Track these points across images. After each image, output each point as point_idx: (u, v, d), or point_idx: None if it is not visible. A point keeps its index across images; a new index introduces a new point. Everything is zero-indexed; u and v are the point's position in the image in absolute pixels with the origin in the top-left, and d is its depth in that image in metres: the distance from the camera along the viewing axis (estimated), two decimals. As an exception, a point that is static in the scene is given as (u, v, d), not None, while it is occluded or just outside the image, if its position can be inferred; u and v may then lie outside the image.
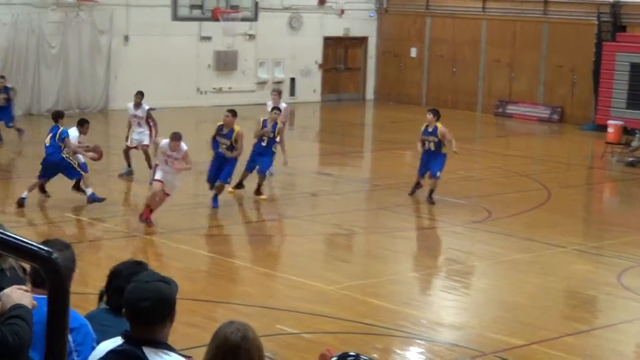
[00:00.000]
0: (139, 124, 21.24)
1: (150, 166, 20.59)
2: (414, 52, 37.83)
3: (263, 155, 19.57)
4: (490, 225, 18.23)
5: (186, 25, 33.68)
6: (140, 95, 21.44)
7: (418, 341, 12.09)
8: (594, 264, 16.29)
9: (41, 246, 3.36)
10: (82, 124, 18.94)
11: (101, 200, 18.18)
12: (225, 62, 35.01)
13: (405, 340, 12.14)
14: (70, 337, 5.02)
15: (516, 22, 34.54)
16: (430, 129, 19.66)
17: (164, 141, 17.14)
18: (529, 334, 12.36)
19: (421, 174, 19.93)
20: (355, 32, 38.36)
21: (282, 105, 21.82)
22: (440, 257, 16.75)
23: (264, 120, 19.73)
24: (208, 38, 34.40)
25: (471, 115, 35.13)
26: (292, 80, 36.82)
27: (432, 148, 19.55)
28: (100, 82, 32.44)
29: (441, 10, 36.87)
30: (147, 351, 4.90)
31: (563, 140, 31.17)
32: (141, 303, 4.90)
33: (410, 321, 12.69)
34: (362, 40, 38.87)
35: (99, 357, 5.02)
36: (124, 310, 5.07)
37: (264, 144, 19.56)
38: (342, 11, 37.51)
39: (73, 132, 18.54)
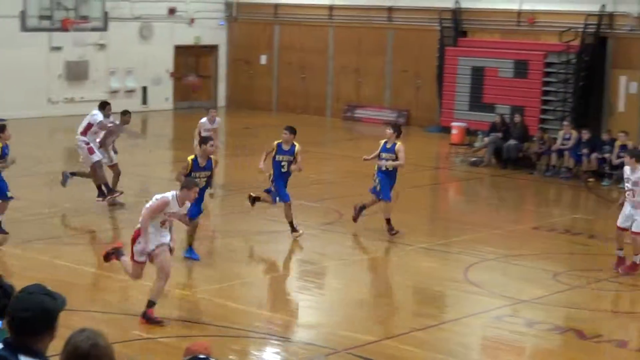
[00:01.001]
0: (110, 143, 20.13)
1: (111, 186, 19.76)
2: (263, 59, 38.24)
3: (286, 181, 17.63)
4: (341, 226, 18.65)
5: (35, 36, 33.30)
6: (128, 114, 20.51)
7: (273, 341, 12.34)
8: (441, 260, 16.88)
9: None
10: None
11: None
12: (76, 72, 34.77)
13: (261, 341, 12.39)
14: None
15: (362, 29, 35.27)
16: (388, 145, 17.96)
17: (169, 194, 12.87)
18: (380, 331, 12.78)
19: (389, 195, 17.99)
20: (206, 41, 38.53)
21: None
22: (294, 258, 17.06)
23: (279, 144, 17.46)
24: (58, 48, 34.08)
25: (321, 120, 35.73)
26: (144, 89, 36.79)
27: (390, 168, 17.98)
28: (-49, 93, 31.88)
29: (289, 18, 37.37)
30: (23, 359, 4.95)
31: (410, 142, 31.60)
32: (22, 313, 4.97)
33: (266, 322, 12.97)
34: (213, 49, 39.07)
35: None
36: (5, 317, 5.12)
37: (284, 169, 17.47)
38: (192, 20, 37.64)
39: None
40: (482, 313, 13.95)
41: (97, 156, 19.32)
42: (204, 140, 16.27)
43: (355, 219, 18.24)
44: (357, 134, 33.42)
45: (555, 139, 26.49)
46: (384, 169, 17.85)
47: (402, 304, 14.51)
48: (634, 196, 15.64)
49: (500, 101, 30.47)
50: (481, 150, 27.52)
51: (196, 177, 15.25)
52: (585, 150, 25.45)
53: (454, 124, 30.48)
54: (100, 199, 19.47)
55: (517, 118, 27.94)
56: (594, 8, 29.59)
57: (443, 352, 12.23)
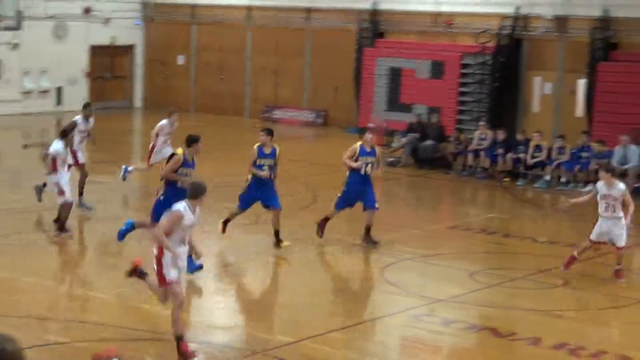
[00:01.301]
0: (81, 141, 19.71)
1: (81, 190, 19.41)
2: (181, 60, 38.05)
3: (269, 187, 16.94)
4: (259, 227, 18.57)
5: (-54, 35, 32.82)
6: (90, 106, 20.17)
7: (192, 344, 12.22)
8: (360, 261, 16.94)
9: None
10: None
11: None
12: (-11, 72, 34.28)
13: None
14: None
15: (280, 30, 35.27)
16: (368, 149, 17.46)
17: (180, 206, 11.58)
18: (298, 331, 12.74)
19: (344, 205, 17.63)
20: (122, 41, 38.23)
21: None
22: (211, 260, 16.97)
23: (259, 147, 16.92)
24: (-30, 48, 33.61)
25: (239, 120, 35.69)
26: (59, 89, 36.34)
27: (369, 171, 17.47)
28: None
29: (207, 19, 37.23)
30: None
31: (328, 143, 32.00)
32: None
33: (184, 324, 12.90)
34: (129, 49, 38.79)
35: None
36: None
37: (264, 172, 16.80)
38: (108, 20, 37.28)
39: None
40: (400, 312, 14.04)
41: (67, 198, 18.16)
42: (194, 139, 15.29)
43: (374, 242, 17.60)
44: (275, 135, 33.33)
45: (471, 139, 26.78)
46: (363, 172, 17.31)
47: (320, 305, 14.50)
48: (614, 211, 15.55)
49: (418, 102, 30.72)
50: (398, 151, 27.69)
51: (183, 174, 14.91)
52: (500, 151, 25.76)
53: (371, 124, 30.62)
54: (58, 232, 18.36)
55: (434, 118, 28.19)
56: (509, 10, 29.96)
57: (361, 351, 12.26)
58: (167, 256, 11.32)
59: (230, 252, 17.29)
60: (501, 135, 26.21)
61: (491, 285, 15.45)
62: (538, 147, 25.42)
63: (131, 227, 15.64)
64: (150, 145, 21.42)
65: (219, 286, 15.29)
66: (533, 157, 25.35)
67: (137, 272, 12.16)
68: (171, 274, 11.37)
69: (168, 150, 21.47)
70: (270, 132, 17.07)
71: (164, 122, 21.46)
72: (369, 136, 17.56)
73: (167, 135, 21.26)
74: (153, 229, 11.48)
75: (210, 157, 27.22)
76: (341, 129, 33.30)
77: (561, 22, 29.47)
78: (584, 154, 24.76)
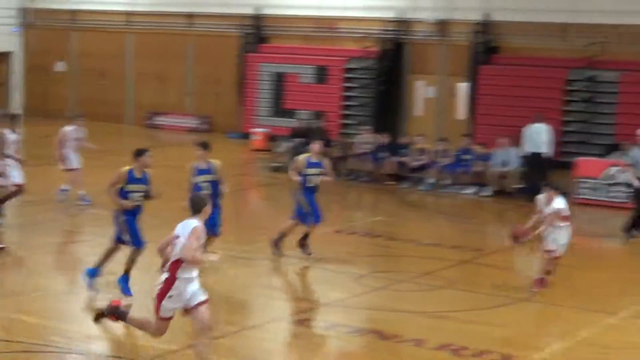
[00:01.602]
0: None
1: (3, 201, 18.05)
2: (60, 66, 37.46)
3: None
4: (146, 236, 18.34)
5: None
6: (17, 118, 18.89)
7: (72, 355, 12.02)
8: (245, 267, 16.85)
9: None
10: None
11: None
12: None
13: (59, 356, 12.03)
14: None
15: (162, 35, 34.98)
16: (315, 160, 17.00)
17: (194, 222, 11.17)
18: (181, 340, 12.60)
19: (316, 219, 17.24)
20: (-1, 47, 37.57)
21: None
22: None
23: (197, 165, 15.95)
24: None
25: (121, 127, 35.27)
26: None
27: (316, 183, 17.01)
28: None
29: (86, 24, 36.75)
30: None
31: (213, 149, 31.78)
32: None
33: (63, 335, 12.60)
34: (6, 55, 38.06)
35: None
36: None
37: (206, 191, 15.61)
38: (-15, 26, 36.58)
39: None
40: (285, 317, 14.05)
41: None
42: (140, 152, 14.35)
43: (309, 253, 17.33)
44: (159, 141, 33.08)
45: (355, 143, 26.88)
46: (311, 185, 16.94)
47: (204, 312, 14.33)
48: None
49: (302, 107, 30.81)
50: (283, 156, 27.63)
51: (131, 192, 14.11)
52: (384, 154, 25.91)
53: (256, 129, 30.61)
54: None
55: (318, 123, 28.22)
56: (392, 15, 30.22)
57: (244, 358, 12.20)
58: (174, 290, 11.04)
59: (116, 261, 16.98)
60: (385, 138, 26.38)
61: (377, 289, 15.50)
62: (421, 150, 25.65)
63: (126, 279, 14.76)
64: (57, 153, 20.92)
65: (102, 295, 15.00)
66: (416, 160, 25.56)
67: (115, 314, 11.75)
68: (167, 312, 11.16)
69: (76, 158, 20.96)
70: (205, 145, 15.95)
71: (68, 128, 21.00)
72: (315, 146, 17.03)
73: (75, 142, 20.75)
74: (187, 256, 10.90)
75: (94, 164, 26.86)
76: (224, 134, 33.15)
77: (443, 26, 29.83)
78: (466, 157, 25.07)
